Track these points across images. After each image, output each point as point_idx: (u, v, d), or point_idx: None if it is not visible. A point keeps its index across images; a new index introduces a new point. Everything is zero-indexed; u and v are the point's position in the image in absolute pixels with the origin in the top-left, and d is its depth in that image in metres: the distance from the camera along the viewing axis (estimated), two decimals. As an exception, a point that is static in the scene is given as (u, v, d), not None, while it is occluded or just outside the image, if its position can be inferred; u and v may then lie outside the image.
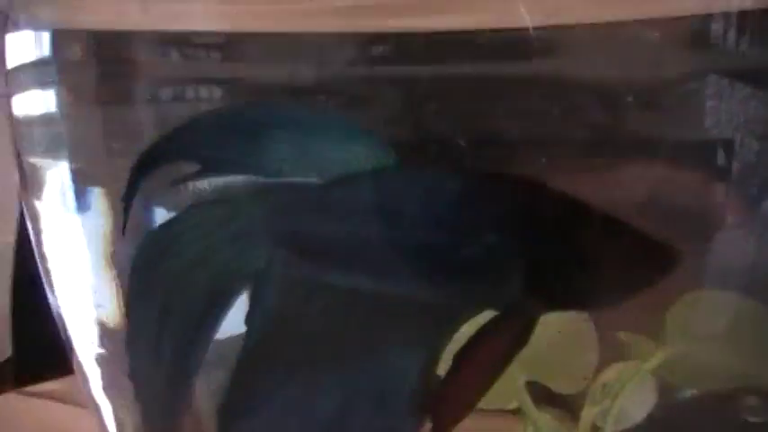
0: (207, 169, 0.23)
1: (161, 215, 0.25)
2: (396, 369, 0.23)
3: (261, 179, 0.23)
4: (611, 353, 0.27)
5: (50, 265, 0.31)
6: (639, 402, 0.28)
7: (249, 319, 0.23)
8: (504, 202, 0.22)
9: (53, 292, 0.31)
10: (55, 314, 0.31)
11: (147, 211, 0.25)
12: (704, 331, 0.28)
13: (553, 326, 0.25)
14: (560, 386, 0.27)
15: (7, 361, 0.82)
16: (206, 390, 0.25)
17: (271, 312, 0.23)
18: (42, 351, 0.41)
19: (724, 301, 0.28)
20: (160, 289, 0.24)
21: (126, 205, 0.24)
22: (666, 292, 0.25)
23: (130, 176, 0.24)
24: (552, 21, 0.23)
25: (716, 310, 0.27)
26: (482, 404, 0.24)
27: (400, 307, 0.23)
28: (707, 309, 0.27)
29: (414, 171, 0.23)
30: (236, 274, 0.23)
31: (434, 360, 0.23)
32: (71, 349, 0.31)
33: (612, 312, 0.25)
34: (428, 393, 0.23)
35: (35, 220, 0.31)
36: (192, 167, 0.24)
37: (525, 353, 0.24)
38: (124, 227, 0.25)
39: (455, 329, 0.23)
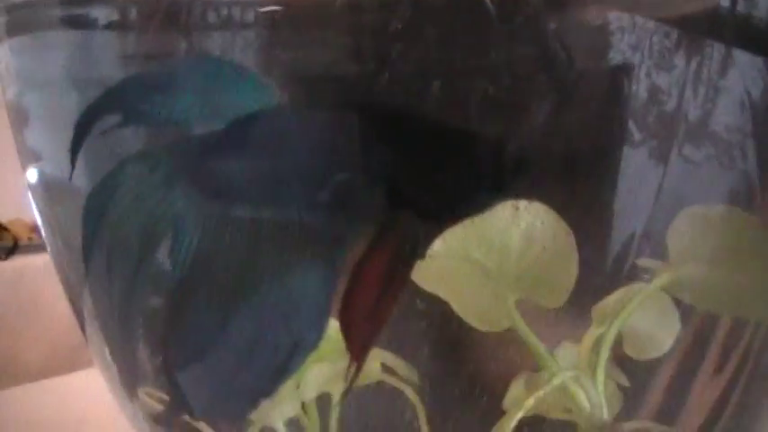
0: (128, 120, 0.27)
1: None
2: (299, 289, 0.26)
3: (172, 131, 0.27)
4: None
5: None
6: (662, 329, 0.27)
7: (173, 255, 0.26)
8: (361, 131, 0.25)
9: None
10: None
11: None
12: (707, 248, 0.27)
13: (537, 243, 0.26)
14: (547, 301, 0.27)
15: None
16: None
17: (190, 248, 0.26)
18: None
19: (723, 215, 0.27)
20: (104, 237, 0.28)
21: (72, 156, 0.28)
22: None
23: (75, 130, 0.28)
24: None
25: (715, 225, 0.27)
26: (477, 326, 0.27)
27: (295, 233, 0.25)
28: (705, 224, 0.26)
29: (292, 109, 0.26)
30: (162, 217, 0.27)
31: (332, 277, 0.26)
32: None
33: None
34: (331, 308, 0.26)
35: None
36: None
37: (512, 272, 0.27)
38: (71, 175, 0.28)
39: (344, 249, 0.26)
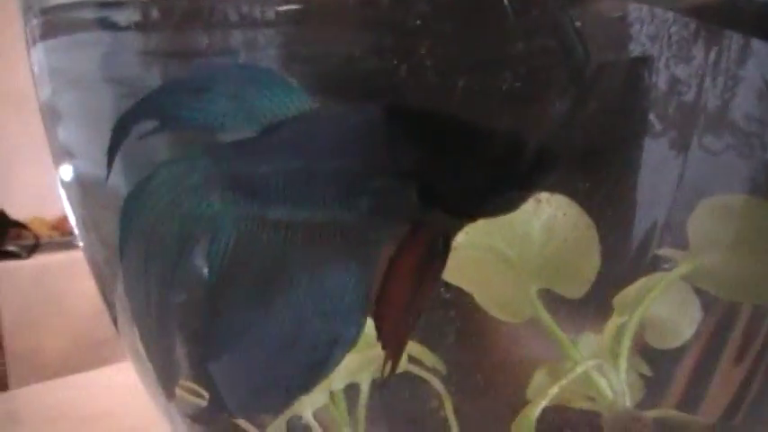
0: (165, 125, 0.28)
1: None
2: (336, 287, 0.26)
3: (209, 140, 0.28)
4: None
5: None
6: (683, 318, 0.28)
7: (210, 255, 0.27)
8: (389, 131, 0.26)
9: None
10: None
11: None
12: (727, 237, 0.27)
13: (559, 234, 0.27)
14: (568, 291, 0.28)
15: None
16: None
17: (226, 248, 0.27)
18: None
19: (743, 204, 0.27)
20: (141, 238, 0.28)
21: (110, 159, 0.29)
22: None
23: (112, 134, 0.28)
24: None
25: (736, 214, 0.27)
26: (499, 316, 0.28)
27: (330, 234, 0.26)
28: (726, 213, 0.27)
29: (324, 112, 0.26)
30: (198, 220, 0.27)
31: (368, 276, 0.26)
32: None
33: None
34: (369, 305, 0.26)
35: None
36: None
37: (534, 262, 0.27)
38: (108, 176, 0.29)
39: (379, 248, 0.26)
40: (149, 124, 0.27)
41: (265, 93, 0.26)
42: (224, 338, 0.27)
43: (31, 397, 0.71)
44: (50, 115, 0.35)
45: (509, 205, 0.26)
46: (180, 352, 0.30)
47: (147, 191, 0.28)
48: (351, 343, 0.26)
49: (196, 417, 0.32)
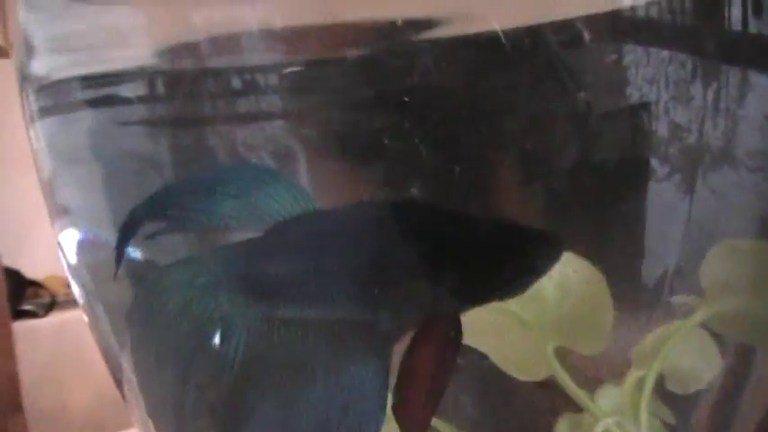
0: (172, 227, 0.28)
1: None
2: (354, 381, 0.26)
3: (216, 240, 0.28)
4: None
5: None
6: (702, 364, 0.28)
7: (222, 357, 0.27)
8: (403, 226, 0.26)
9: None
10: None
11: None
12: (741, 281, 0.27)
13: (573, 294, 0.27)
14: (585, 348, 0.28)
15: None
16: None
17: (238, 349, 0.27)
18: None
19: (754, 247, 0.27)
20: (153, 339, 0.29)
21: (117, 257, 0.29)
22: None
23: (119, 234, 0.29)
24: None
25: (746, 257, 0.27)
26: (516, 376, 0.28)
27: (343, 328, 0.26)
28: (739, 257, 0.27)
29: (330, 212, 0.27)
30: (209, 320, 0.27)
31: (385, 369, 0.26)
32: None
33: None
34: (387, 397, 0.26)
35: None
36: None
37: (550, 322, 0.28)
38: (116, 274, 0.29)
39: (397, 338, 0.26)
40: (156, 225, 0.28)
41: (270, 193, 0.26)
42: None
43: None
44: (51, 194, 0.35)
45: (520, 289, 0.26)
46: None
47: (155, 292, 0.28)
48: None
49: None
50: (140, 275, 0.30)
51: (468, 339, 0.27)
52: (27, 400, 1.46)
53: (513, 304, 0.27)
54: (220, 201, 0.27)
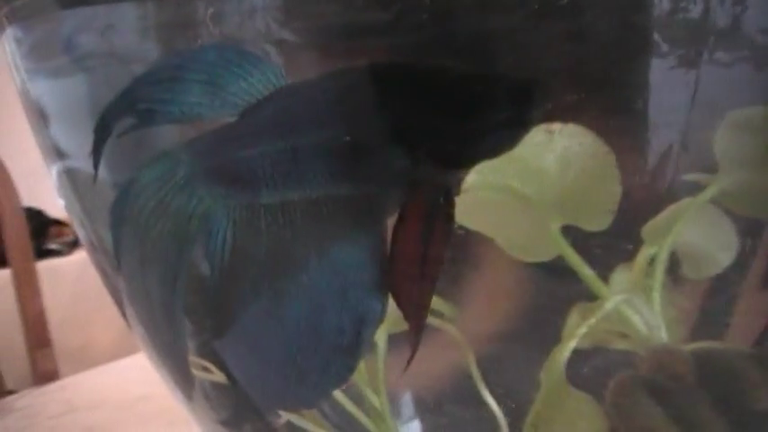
0: (142, 122, 0.26)
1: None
2: (348, 262, 0.25)
3: (186, 129, 0.26)
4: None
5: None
6: (717, 245, 0.27)
7: (210, 253, 0.26)
8: (376, 89, 0.24)
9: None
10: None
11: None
12: (754, 153, 0.26)
13: (576, 166, 0.25)
14: (591, 223, 0.26)
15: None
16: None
17: (225, 243, 0.26)
18: None
19: (765, 116, 0.26)
20: (135, 243, 0.28)
21: (95, 161, 0.28)
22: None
23: (94, 137, 0.28)
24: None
25: (759, 127, 0.26)
26: (523, 257, 0.26)
27: (330, 207, 0.25)
28: (751, 128, 0.25)
29: (301, 85, 0.25)
30: (190, 217, 0.26)
31: (379, 244, 0.25)
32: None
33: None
34: (384, 276, 0.25)
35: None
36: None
37: (552, 197, 0.26)
38: (95, 179, 0.29)
39: (387, 211, 0.25)
40: (127, 122, 0.26)
41: (238, 73, 0.25)
42: (240, 337, 0.26)
43: (81, 383, 0.73)
44: (33, 110, 0.34)
45: (505, 143, 0.24)
46: (194, 359, 0.29)
47: (132, 194, 0.27)
48: (378, 319, 0.25)
49: (224, 421, 0.31)
50: (121, 177, 0.28)
51: (470, 221, 0.26)
52: (54, 337, 1.47)
53: (513, 180, 0.26)
54: (188, 88, 0.25)
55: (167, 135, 0.27)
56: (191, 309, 0.28)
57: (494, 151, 0.24)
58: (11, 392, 0.87)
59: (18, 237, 1.35)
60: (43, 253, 2.15)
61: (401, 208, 0.24)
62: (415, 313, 0.25)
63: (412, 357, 0.25)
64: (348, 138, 0.24)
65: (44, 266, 1.93)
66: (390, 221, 0.25)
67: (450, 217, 0.24)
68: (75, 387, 0.72)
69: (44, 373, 1.36)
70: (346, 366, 0.26)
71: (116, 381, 0.71)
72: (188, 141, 0.26)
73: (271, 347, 0.26)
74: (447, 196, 0.24)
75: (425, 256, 0.25)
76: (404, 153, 0.24)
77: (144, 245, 0.27)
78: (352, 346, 0.26)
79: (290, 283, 0.25)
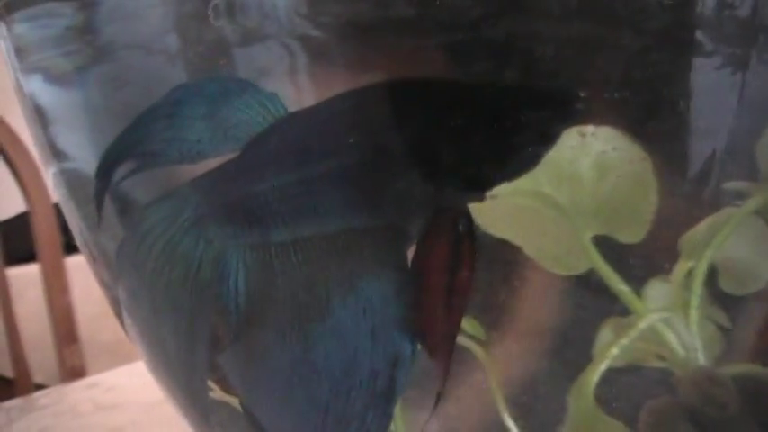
0: (144, 165, 0.25)
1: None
2: (373, 300, 0.23)
3: (188, 167, 0.25)
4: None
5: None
6: (760, 258, 0.26)
7: (225, 298, 0.24)
8: (387, 109, 0.23)
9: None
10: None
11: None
12: None
13: (611, 172, 0.24)
14: (626, 235, 0.25)
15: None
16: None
17: (238, 288, 0.24)
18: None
19: None
20: (144, 290, 0.26)
21: (98, 207, 0.27)
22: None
23: (95, 184, 0.27)
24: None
25: None
26: (553, 269, 0.25)
27: (347, 241, 0.23)
28: None
29: (305, 112, 0.23)
30: (200, 260, 0.25)
31: (404, 279, 0.23)
32: None
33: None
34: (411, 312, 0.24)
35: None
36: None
37: (587, 205, 0.24)
38: (99, 221, 0.27)
39: (407, 242, 0.23)
40: (129, 165, 0.25)
41: (238, 105, 0.23)
42: (268, 386, 0.25)
43: (104, 383, 0.74)
44: (32, 112, 0.32)
45: (530, 162, 0.23)
46: (220, 415, 0.28)
47: (137, 237, 0.26)
48: (412, 359, 0.24)
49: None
50: (125, 219, 0.27)
51: (498, 229, 0.24)
52: (85, 333, 1.48)
53: (546, 186, 0.24)
54: (188, 125, 0.24)
55: (173, 172, 0.26)
56: (213, 365, 0.26)
57: (520, 170, 0.23)
58: (40, 386, 0.87)
59: (48, 232, 1.36)
60: (73, 248, 2.16)
61: (420, 236, 0.23)
62: (443, 347, 0.24)
63: (439, 397, 0.24)
64: (359, 163, 0.23)
65: (74, 262, 1.94)
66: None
67: (472, 243, 0.23)
68: (101, 385, 0.72)
69: (71, 369, 1.37)
70: (384, 413, 0.25)
71: (142, 381, 0.71)
72: (194, 179, 0.25)
73: (302, 398, 0.25)
74: (468, 221, 0.23)
75: (452, 287, 0.23)
76: (426, 177, 0.22)
77: (154, 294, 0.26)
78: (388, 390, 0.24)
79: (316, 327, 0.24)
